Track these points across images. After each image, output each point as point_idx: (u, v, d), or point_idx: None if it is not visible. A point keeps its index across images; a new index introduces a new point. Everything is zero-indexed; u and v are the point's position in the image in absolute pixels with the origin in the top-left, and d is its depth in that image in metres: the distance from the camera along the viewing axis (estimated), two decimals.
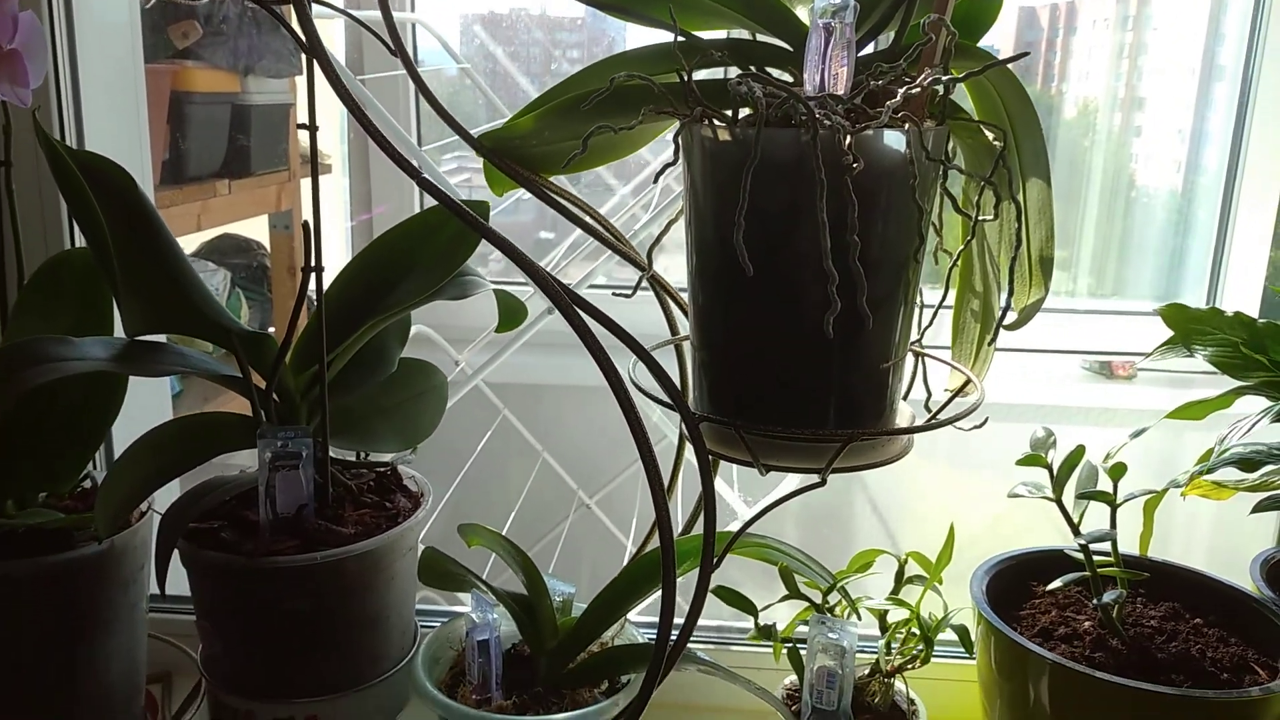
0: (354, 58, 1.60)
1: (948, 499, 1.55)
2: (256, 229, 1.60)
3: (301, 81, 1.54)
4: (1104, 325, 1.68)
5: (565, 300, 0.56)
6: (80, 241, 0.88)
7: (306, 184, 1.62)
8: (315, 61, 0.55)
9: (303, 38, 0.56)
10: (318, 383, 0.71)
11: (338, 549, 0.66)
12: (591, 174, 1.65)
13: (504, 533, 0.81)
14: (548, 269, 0.59)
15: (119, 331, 0.74)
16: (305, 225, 0.64)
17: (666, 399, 0.60)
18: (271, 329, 1.61)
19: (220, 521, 0.68)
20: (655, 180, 0.58)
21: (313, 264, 0.65)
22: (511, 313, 0.85)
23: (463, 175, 1.72)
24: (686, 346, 0.77)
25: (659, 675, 0.58)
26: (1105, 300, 1.74)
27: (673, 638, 0.59)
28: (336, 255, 1.59)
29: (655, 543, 0.81)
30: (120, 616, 0.72)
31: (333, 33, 1.53)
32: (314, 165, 0.65)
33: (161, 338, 0.68)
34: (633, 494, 1.60)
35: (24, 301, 0.69)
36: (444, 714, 0.70)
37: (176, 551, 0.65)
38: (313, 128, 0.65)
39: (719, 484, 1.17)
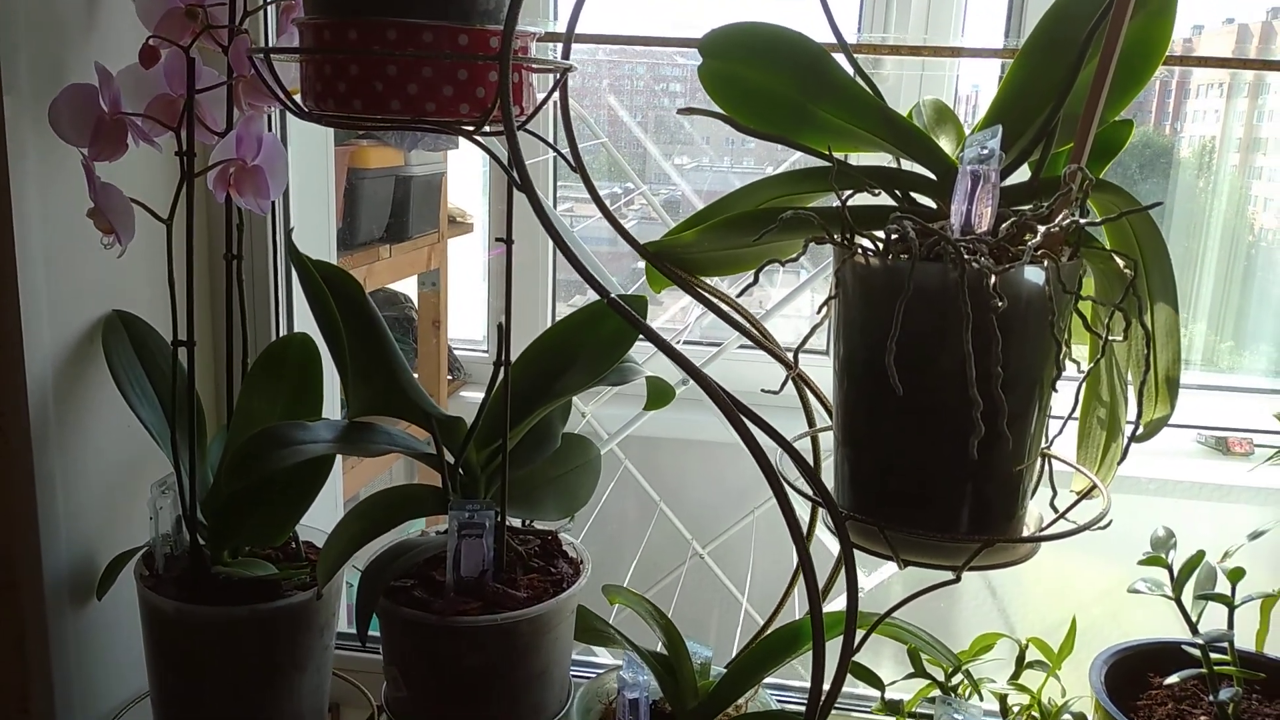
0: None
1: (1053, 570, 1.57)
2: (406, 284, 1.73)
3: (452, 154, 1.66)
4: (1220, 402, 1.68)
5: (727, 403, 0.64)
6: (283, 329, 0.99)
7: (452, 244, 1.75)
8: (526, 195, 0.64)
9: (515, 177, 0.65)
10: (496, 459, 0.80)
11: (514, 612, 0.74)
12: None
13: (625, 581, 0.88)
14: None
15: (326, 408, 0.85)
16: (499, 326, 0.73)
17: (813, 494, 0.67)
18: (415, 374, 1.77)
19: (412, 580, 0.77)
20: (819, 311, 0.65)
21: (503, 359, 0.74)
22: (660, 395, 0.93)
23: (565, 204, 1.84)
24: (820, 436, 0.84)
25: None
26: (1222, 375, 1.74)
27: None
28: (479, 301, 1.72)
29: (784, 618, 0.88)
30: (314, 656, 0.82)
31: None
32: (509, 276, 0.74)
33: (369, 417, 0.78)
34: (744, 545, 1.67)
35: (251, 379, 0.80)
36: None
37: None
38: (509, 241, 0.74)
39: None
